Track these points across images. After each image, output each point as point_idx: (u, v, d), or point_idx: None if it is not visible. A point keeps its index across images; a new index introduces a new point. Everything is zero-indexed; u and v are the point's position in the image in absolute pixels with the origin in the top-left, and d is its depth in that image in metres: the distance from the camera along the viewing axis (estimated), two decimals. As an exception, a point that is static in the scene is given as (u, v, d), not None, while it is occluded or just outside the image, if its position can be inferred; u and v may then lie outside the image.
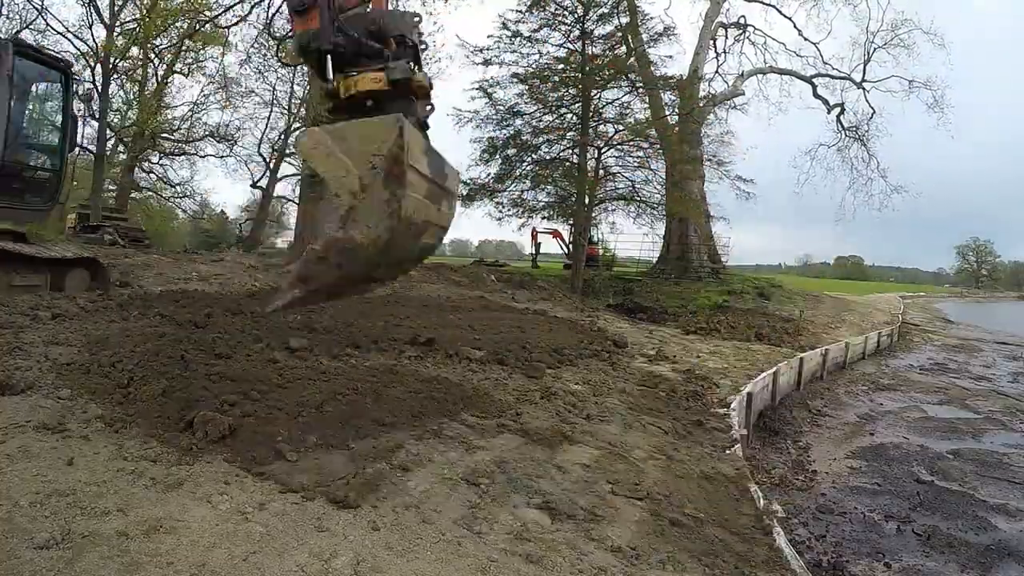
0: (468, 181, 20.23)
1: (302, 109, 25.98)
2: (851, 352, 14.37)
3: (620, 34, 19.86)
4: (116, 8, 19.86)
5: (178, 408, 3.79)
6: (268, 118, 28.23)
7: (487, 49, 19.58)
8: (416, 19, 3.76)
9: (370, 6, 3.78)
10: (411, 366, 6.06)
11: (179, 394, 4.00)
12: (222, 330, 6.16)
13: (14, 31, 17.06)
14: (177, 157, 27.74)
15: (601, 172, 19.77)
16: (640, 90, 20.20)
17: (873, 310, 26.25)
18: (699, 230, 23.17)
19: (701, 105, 22.48)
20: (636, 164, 20.11)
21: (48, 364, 4.43)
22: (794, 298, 21.29)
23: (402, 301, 11.02)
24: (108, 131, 22.50)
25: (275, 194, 31.58)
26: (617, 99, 20.08)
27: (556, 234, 29.76)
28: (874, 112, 27.04)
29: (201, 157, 27.86)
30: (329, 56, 3.58)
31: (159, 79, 23.46)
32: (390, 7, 3.90)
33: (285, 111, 28.28)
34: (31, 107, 8.03)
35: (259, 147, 28.88)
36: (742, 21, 26.65)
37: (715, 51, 25.95)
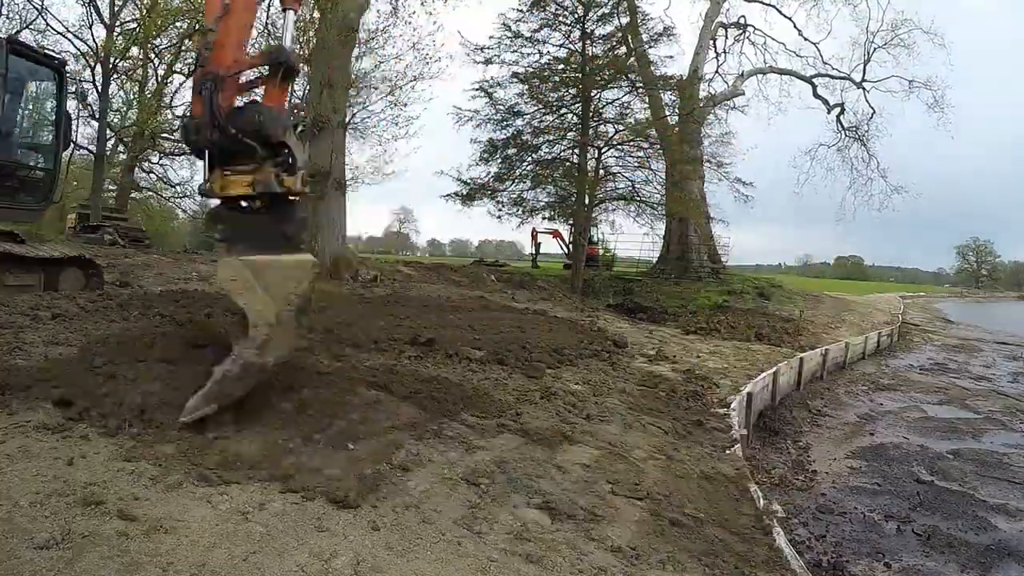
0: (468, 181, 20.25)
1: (302, 111, 25.91)
2: (851, 352, 14.37)
3: (620, 34, 19.88)
4: (116, 8, 19.87)
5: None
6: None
7: (487, 49, 19.60)
8: (292, 120, 3.94)
9: (257, 99, 3.88)
10: (411, 366, 6.06)
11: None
12: (222, 330, 6.16)
13: (14, 31, 17.05)
14: (177, 157, 27.69)
15: (601, 172, 19.77)
16: (640, 90, 20.21)
17: (873, 310, 26.25)
18: (699, 230, 23.17)
19: (701, 105, 22.49)
20: (636, 164, 20.13)
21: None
22: (794, 298, 21.29)
23: (402, 301, 11.02)
24: (108, 131, 22.52)
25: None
26: (617, 99, 20.10)
27: (556, 234, 29.75)
28: (874, 112, 27.07)
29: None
30: (207, 152, 3.76)
31: (159, 79, 23.46)
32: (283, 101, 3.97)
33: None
34: (25, 105, 8.02)
35: (259, 147, 28.80)
36: (742, 21, 26.68)
37: (715, 51, 25.99)
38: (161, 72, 23.48)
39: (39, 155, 8.08)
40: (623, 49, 20.05)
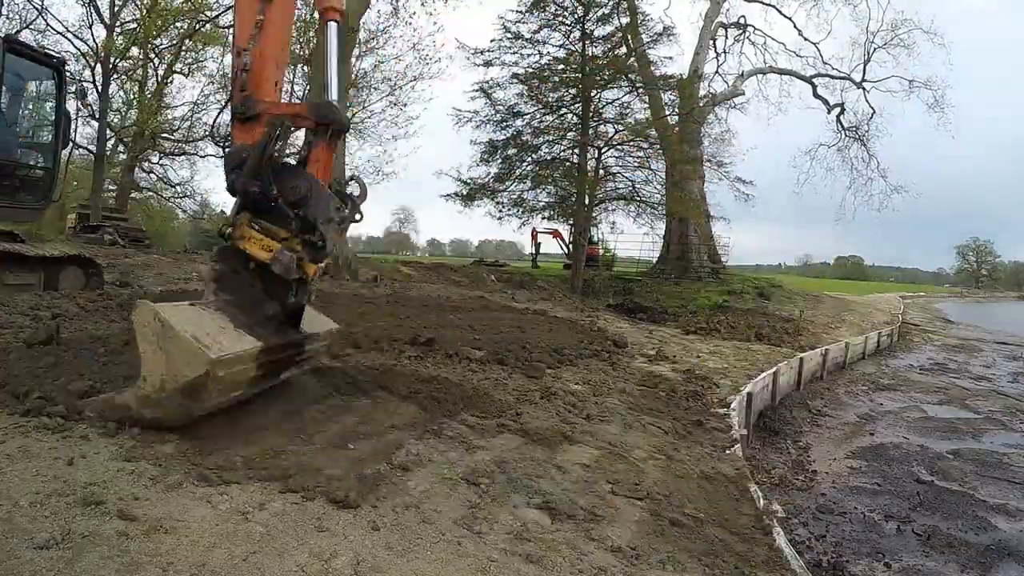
0: (468, 181, 20.27)
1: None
2: (851, 352, 14.37)
3: (620, 34, 19.89)
4: (116, 8, 19.87)
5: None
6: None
7: (488, 51, 19.62)
8: (337, 208, 3.72)
9: (314, 172, 3.68)
10: (411, 366, 6.06)
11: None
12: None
13: (14, 31, 17.05)
14: (177, 157, 27.75)
15: (601, 172, 19.79)
16: (640, 90, 20.23)
17: (873, 310, 26.25)
18: (699, 230, 23.18)
19: (701, 105, 22.50)
20: (636, 164, 20.16)
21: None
22: (794, 298, 21.29)
23: (402, 301, 11.02)
24: (108, 131, 22.52)
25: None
26: (617, 99, 20.14)
27: (556, 234, 29.77)
28: (874, 112, 27.11)
29: (201, 157, 27.84)
30: (244, 196, 3.60)
31: (159, 79, 23.46)
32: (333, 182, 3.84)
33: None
34: (24, 105, 8.01)
35: (259, 147, 28.81)
36: (742, 21, 26.70)
37: (715, 51, 26.02)
38: (161, 72, 23.49)
39: (38, 154, 8.08)
40: (623, 49, 20.06)
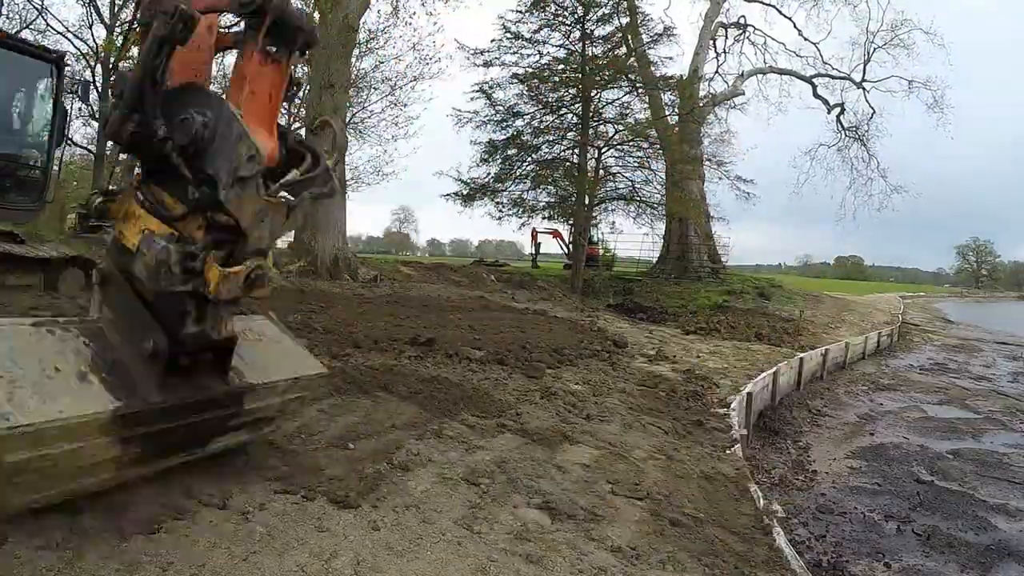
0: (468, 181, 20.27)
1: (302, 109, 25.98)
2: (851, 352, 14.37)
3: (620, 35, 19.89)
4: (116, 8, 19.86)
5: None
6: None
7: (487, 51, 19.62)
8: (251, 159, 2.19)
9: (233, 100, 2.27)
10: (411, 366, 6.06)
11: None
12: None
13: (15, 31, 17.06)
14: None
15: (601, 172, 19.79)
16: (640, 90, 20.23)
17: (873, 310, 26.25)
18: (699, 230, 23.18)
19: (701, 105, 22.49)
20: (636, 164, 20.15)
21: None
22: (794, 298, 21.28)
23: (402, 301, 11.02)
24: (108, 131, 22.48)
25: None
26: (617, 99, 20.13)
27: (556, 234, 29.75)
28: (874, 112, 27.09)
29: (201, 157, 27.81)
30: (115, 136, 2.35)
31: (159, 79, 23.44)
32: None
33: (285, 111, 28.30)
34: (20, 100, 7.97)
35: (259, 147, 28.84)
36: (742, 21, 26.69)
37: (715, 51, 26.00)
38: (161, 72, 23.46)
39: (32, 152, 8.03)
40: (623, 49, 20.06)
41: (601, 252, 28.70)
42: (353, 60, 18.21)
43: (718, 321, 15.76)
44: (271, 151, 2.35)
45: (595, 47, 19.82)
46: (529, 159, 20.27)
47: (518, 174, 20.20)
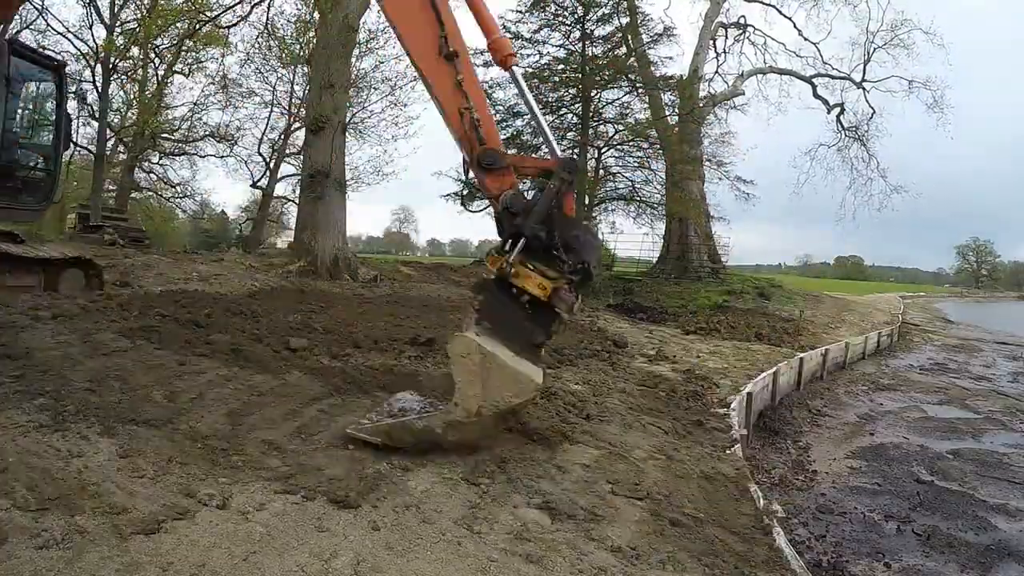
0: (468, 181, 20.25)
1: (302, 109, 25.99)
2: (851, 352, 14.37)
3: (620, 34, 19.91)
4: (116, 8, 19.88)
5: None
6: (268, 118, 28.30)
7: (487, 51, 19.62)
8: (598, 252, 4.17)
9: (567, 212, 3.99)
10: (411, 366, 6.06)
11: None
12: (222, 330, 6.16)
13: (14, 31, 17.05)
14: (177, 157, 27.75)
15: (601, 172, 19.81)
16: (640, 90, 20.24)
17: (873, 310, 26.25)
18: (699, 230, 23.18)
19: (701, 105, 22.49)
20: (636, 164, 20.19)
21: (48, 364, 4.42)
22: (794, 298, 21.28)
23: (402, 301, 11.02)
24: (108, 131, 22.52)
25: (275, 194, 31.62)
26: (617, 99, 20.15)
27: (556, 234, 29.69)
28: (874, 112, 27.06)
29: (201, 157, 27.87)
30: (523, 239, 3.86)
31: (159, 79, 23.47)
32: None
33: (285, 111, 28.33)
34: (26, 106, 8.02)
35: (259, 147, 28.95)
36: (742, 21, 26.66)
37: (715, 51, 25.96)
38: (161, 72, 23.50)
39: (39, 156, 8.08)
40: (623, 49, 20.08)
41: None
42: (353, 60, 18.21)
43: (718, 321, 15.76)
44: None
45: (595, 47, 19.86)
46: (529, 159, 20.28)
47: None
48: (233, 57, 34.11)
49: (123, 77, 22.35)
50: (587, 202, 19.68)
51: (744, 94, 25.43)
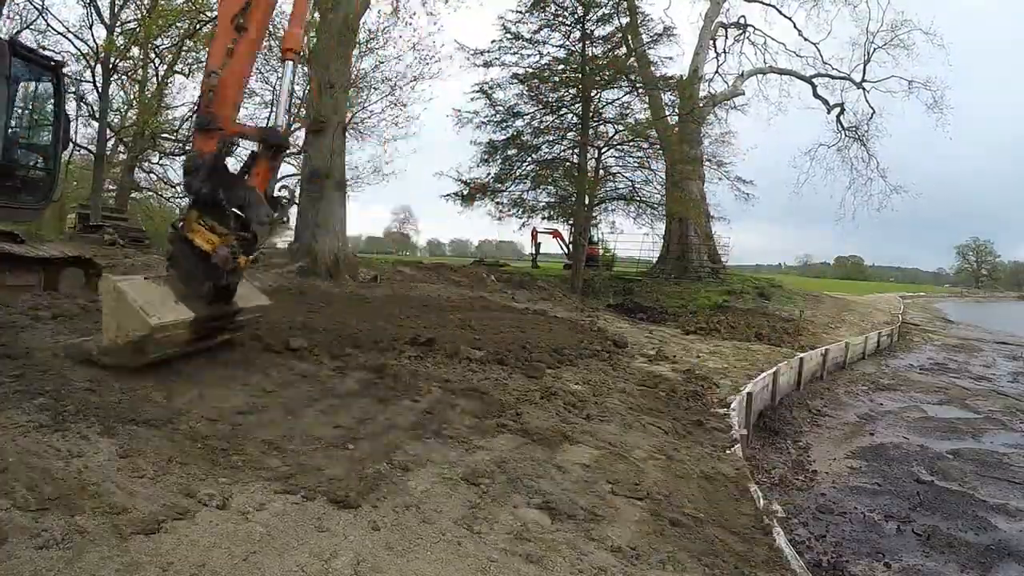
0: (468, 181, 20.27)
1: (302, 109, 26.03)
2: (851, 352, 14.36)
3: (620, 35, 19.88)
4: (116, 8, 19.87)
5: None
6: (268, 118, 28.28)
7: (487, 52, 19.62)
8: (268, 214, 4.52)
9: (252, 181, 4.53)
10: (411, 366, 6.06)
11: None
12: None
13: (15, 31, 17.05)
14: (177, 157, 27.70)
15: (601, 172, 19.77)
16: (640, 90, 20.20)
17: (873, 310, 26.25)
18: (699, 230, 23.16)
19: (701, 105, 22.47)
20: (636, 164, 20.12)
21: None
22: (794, 298, 21.28)
23: (402, 301, 11.02)
24: (108, 131, 22.52)
25: (275, 194, 31.60)
26: (617, 99, 20.09)
27: (556, 234, 29.74)
28: (874, 112, 27.04)
29: (201, 157, 27.82)
30: (192, 196, 4.47)
31: (159, 79, 23.47)
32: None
33: (285, 111, 28.29)
34: (25, 106, 8.03)
35: (259, 147, 28.89)
36: (742, 21, 26.65)
37: (715, 51, 25.96)
38: (161, 72, 23.50)
39: (39, 155, 8.09)
40: (623, 49, 20.05)
41: (601, 252, 28.68)
42: (353, 60, 18.21)
43: (718, 321, 15.75)
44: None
45: (595, 47, 19.80)
46: (529, 159, 20.25)
47: (518, 174, 20.18)
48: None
49: (123, 77, 22.34)
50: (587, 202, 19.64)
51: (744, 94, 25.43)
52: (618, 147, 19.91)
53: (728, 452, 5.27)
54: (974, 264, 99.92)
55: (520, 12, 19.50)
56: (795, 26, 27.16)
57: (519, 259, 45.15)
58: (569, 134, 19.99)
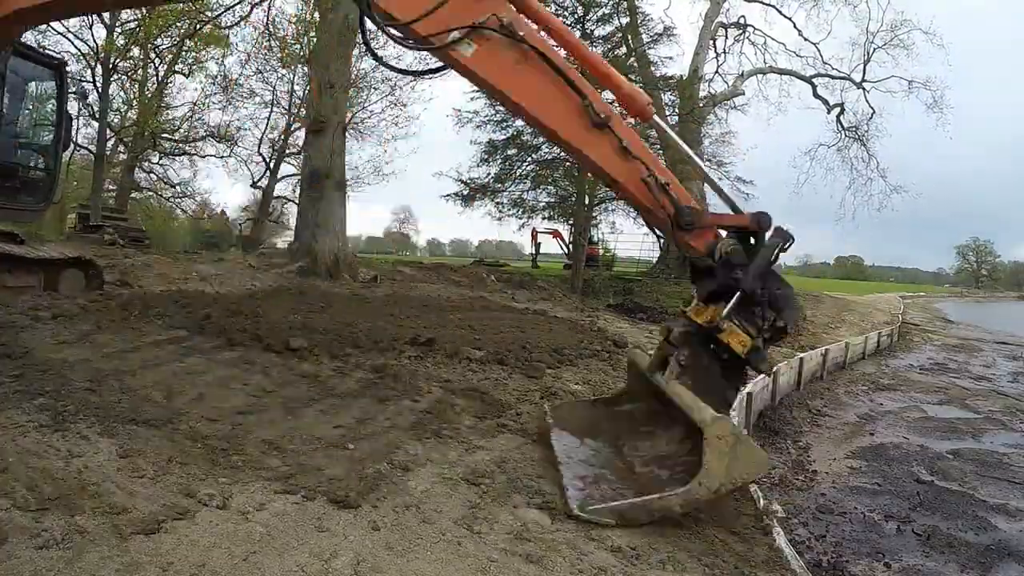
0: (468, 181, 20.28)
1: (302, 109, 26.02)
2: (851, 352, 14.36)
3: (620, 35, 19.89)
4: (116, 8, 19.83)
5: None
6: (268, 118, 28.30)
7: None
8: (799, 311, 4.00)
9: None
10: (411, 366, 6.06)
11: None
12: (222, 331, 6.17)
13: (14, 31, 17.01)
14: (177, 157, 27.76)
15: (601, 172, 19.77)
16: (640, 90, 20.21)
17: (873, 310, 26.25)
18: (699, 230, 23.11)
19: (701, 105, 22.48)
20: (636, 164, 20.11)
21: (48, 364, 4.42)
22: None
23: (402, 301, 11.02)
24: (108, 131, 22.52)
25: (275, 194, 31.66)
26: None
27: (556, 234, 29.75)
28: (874, 112, 27.06)
29: (201, 157, 27.89)
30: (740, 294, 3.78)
31: (159, 79, 23.48)
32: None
33: (285, 111, 28.34)
34: (26, 105, 8.02)
35: (259, 147, 28.96)
36: (742, 21, 26.64)
37: (715, 51, 25.95)
38: (161, 72, 23.51)
39: (39, 155, 8.09)
40: (623, 49, 20.06)
41: (601, 252, 28.69)
42: (353, 60, 18.21)
43: (718, 321, 15.72)
44: None
45: (595, 47, 19.80)
46: (529, 159, 20.26)
47: (518, 174, 20.19)
48: (233, 57, 34.06)
49: (123, 77, 22.36)
50: (587, 202, 19.65)
51: (744, 94, 25.43)
52: (618, 147, 19.91)
53: (728, 452, 5.26)
54: (974, 264, 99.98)
55: (520, 12, 19.50)
56: (795, 26, 27.18)
57: (519, 259, 45.16)
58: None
